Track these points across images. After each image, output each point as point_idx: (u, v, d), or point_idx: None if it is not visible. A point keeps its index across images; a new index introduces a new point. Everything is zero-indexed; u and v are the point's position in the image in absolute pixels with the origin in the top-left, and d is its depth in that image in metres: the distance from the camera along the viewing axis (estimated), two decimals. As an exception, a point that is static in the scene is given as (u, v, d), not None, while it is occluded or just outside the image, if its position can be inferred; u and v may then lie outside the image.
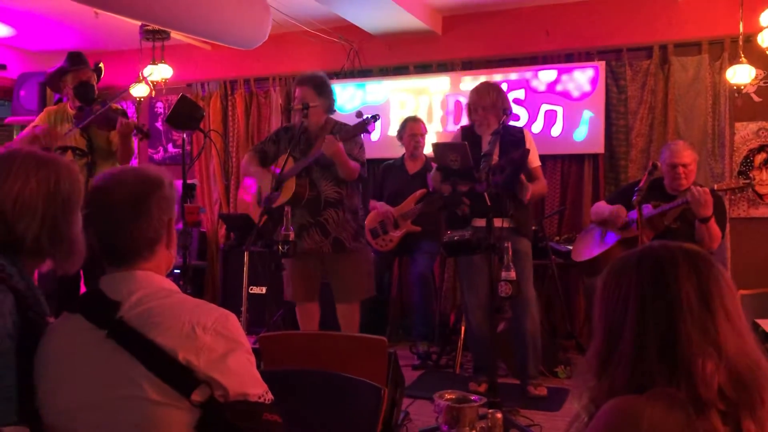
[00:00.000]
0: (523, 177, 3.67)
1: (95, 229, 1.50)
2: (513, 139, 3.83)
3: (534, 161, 3.86)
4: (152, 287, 1.45)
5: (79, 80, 4.02)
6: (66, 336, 1.45)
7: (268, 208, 3.61)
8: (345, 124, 3.87)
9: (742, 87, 4.60)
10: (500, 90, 3.93)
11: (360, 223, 4.02)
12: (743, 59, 4.45)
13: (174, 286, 1.50)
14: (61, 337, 1.46)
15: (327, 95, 3.89)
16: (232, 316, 1.43)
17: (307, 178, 3.81)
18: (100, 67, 4.18)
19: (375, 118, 3.83)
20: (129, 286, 1.44)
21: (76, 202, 1.63)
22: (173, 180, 1.57)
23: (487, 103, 3.83)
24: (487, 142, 3.76)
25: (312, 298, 3.92)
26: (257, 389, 1.39)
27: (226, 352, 1.36)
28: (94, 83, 4.10)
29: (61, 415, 1.40)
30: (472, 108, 3.93)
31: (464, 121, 4.08)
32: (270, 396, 1.41)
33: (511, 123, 3.98)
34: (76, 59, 4.06)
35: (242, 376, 1.38)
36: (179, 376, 1.32)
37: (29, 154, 1.61)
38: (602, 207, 4.10)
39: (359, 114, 3.76)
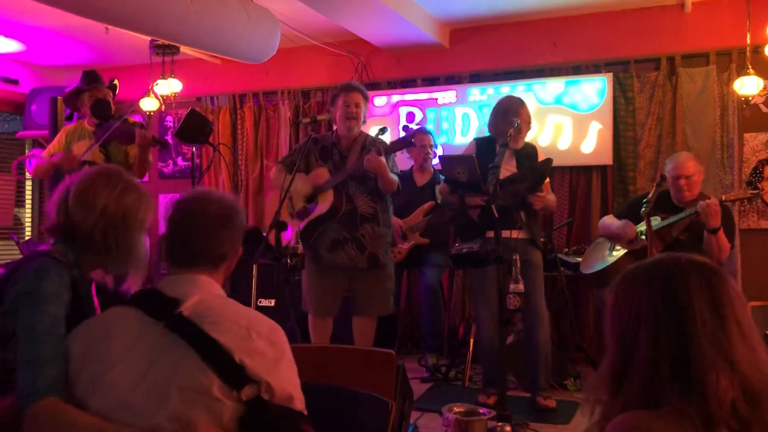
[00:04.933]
0: (543, 188, 3.72)
1: (179, 230, 1.58)
2: (527, 153, 3.86)
3: None
4: (211, 294, 1.54)
5: (95, 98, 4.05)
6: (118, 322, 1.49)
7: (301, 218, 3.63)
8: (377, 138, 3.85)
9: (750, 98, 4.59)
10: (512, 103, 3.87)
11: (392, 238, 4.01)
12: (751, 70, 4.45)
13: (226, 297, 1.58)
14: (111, 323, 1.51)
15: (367, 107, 3.94)
16: (281, 329, 1.52)
17: (344, 191, 3.78)
18: (115, 84, 4.23)
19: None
20: (190, 287, 1.52)
21: (139, 221, 1.74)
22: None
23: (500, 115, 3.83)
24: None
25: (331, 313, 3.88)
26: (301, 399, 1.47)
27: (278, 359, 1.45)
28: (110, 100, 4.14)
29: (111, 393, 1.43)
30: (491, 119, 3.93)
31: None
32: (306, 412, 1.47)
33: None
34: (91, 78, 4.10)
35: (290, 382, 1.46)
36: (232, 372, 1.39)
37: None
38: (609, 222, 4.09)
39: (406, 128, 3.77)
